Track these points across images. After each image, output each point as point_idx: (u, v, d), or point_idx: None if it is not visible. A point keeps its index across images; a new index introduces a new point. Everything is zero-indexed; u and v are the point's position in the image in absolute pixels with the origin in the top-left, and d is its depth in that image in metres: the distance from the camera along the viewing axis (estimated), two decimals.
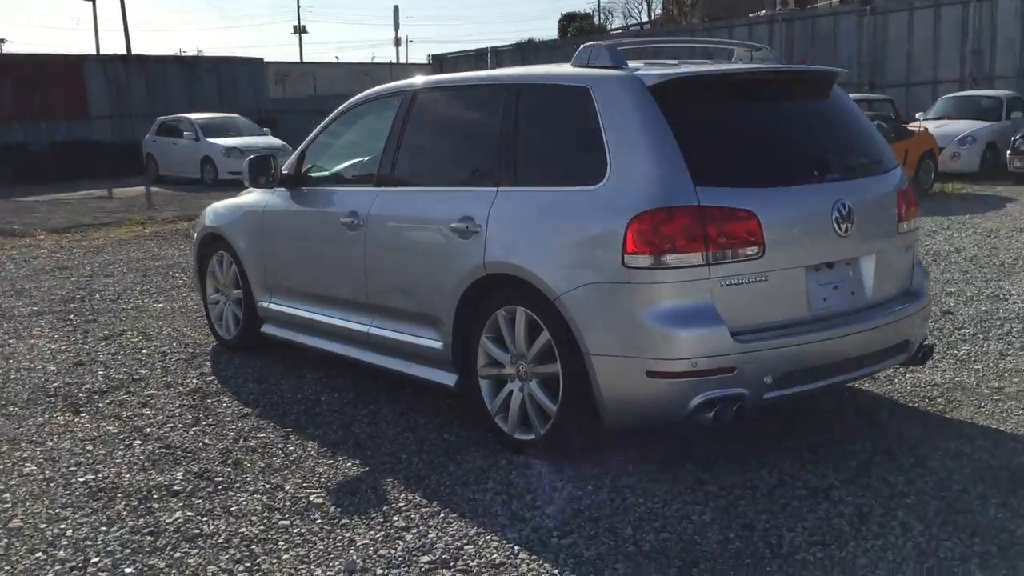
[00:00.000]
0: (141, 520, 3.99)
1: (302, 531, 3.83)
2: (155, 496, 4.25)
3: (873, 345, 4.40)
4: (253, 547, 3.70)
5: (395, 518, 3.92)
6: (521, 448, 4.52)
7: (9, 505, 4.21)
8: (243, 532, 3.84)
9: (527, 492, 4.11)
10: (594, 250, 4.12)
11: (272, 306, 6.26)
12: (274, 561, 3.58)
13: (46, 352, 7.00)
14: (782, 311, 4.16)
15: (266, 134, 24.61)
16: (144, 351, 6.90)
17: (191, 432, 5.09)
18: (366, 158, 5.82)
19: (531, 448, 4.48)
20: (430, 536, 3.73)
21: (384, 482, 4.30)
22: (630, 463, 4.38)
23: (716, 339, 3.96)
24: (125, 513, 4.07)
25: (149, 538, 3.81)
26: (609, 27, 58.25)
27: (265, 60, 35.80)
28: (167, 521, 3.97)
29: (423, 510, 3.98)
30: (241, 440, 4.94)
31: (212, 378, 6.14)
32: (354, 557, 3.58)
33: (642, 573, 3.38)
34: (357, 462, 4.56)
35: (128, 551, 3.71)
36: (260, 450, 4.79)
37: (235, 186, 22.11)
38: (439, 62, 34.28)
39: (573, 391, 4.24)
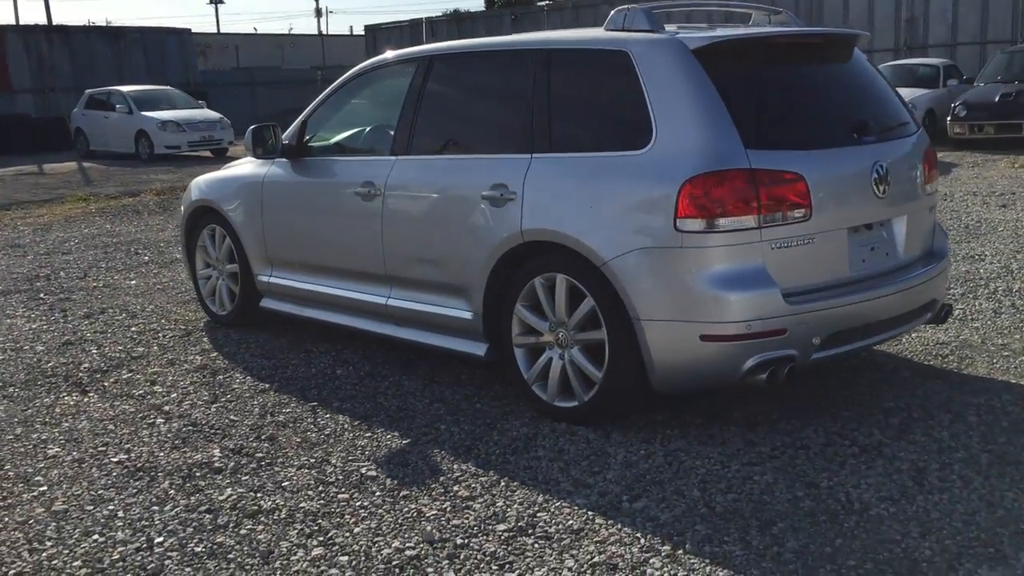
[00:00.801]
0: (192, 498, 3.89)
1: (364, 504, 3.78)
2: (198, 474, 4.15)
3: (907, 305, 4.48)
4: (320, 521, 3.64)
5: (455, 488, 3.88)
6: (561, 416, 4.51)
7: (45, 488, 4.07)
8: (304, 507, 3.77)
9: (581, 458, 4.11)
10: (643, 215, 4.12)
11: (273, 280, 6.14)
12: (347, 535, 3.52)
13: (28, 332, 6.77)
14: (825, 273, 4.21)
15: (202, 107, 24.05)
16: (133, 329, 6.72)
17: (213, 409, 4.98)
18: (378, 127, 5.72)
19: (573, 415, 4.47)
20: (498, 504, 3.71)
21: (431, 453, 4.26)
22: (674, 427, 4.40)
23: (769, 301, 3.99)
24: (173, 492, 3.97)
25: (208, 516, 3.73)
26: None
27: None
28: (220, 499, 3.88)
29: (481, 479, 3.95)
30: (268, 416, 4.85)
31: (215, 354, 6.00)
32: (428, 528, 3.54)
33: (723, 533, 3.40)
34: (396, 434, 4.51)
35: (190, 529, 3.62)
36: (291, 425, 4.70)
37: (172, 161, 21.80)
38: (372, 33, 33.81)
39: (620, 357, 4.24)
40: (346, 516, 3.68)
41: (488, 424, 4.59)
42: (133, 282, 8.49)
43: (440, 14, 34.62)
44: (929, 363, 5.25)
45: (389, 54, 5.66)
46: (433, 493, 3.85)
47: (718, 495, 3.71)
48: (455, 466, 4.10)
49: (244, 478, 4.08)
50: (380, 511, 3.71)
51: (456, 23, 31.01)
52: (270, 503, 3.82)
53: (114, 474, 4.19)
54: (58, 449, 4.51)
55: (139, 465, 4.26)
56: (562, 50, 4.64)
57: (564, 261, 4.38)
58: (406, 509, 3.71)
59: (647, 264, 4.08)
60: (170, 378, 5.55)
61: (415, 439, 4.44)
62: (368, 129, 5.87)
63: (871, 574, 3.11)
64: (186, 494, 3.95)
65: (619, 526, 3.48)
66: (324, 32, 64.75)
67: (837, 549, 3.27)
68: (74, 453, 4.45)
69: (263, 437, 4.55)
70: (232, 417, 4.85)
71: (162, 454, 4.39)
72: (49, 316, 7.24)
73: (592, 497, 3.73)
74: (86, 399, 5.24)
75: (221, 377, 5.53)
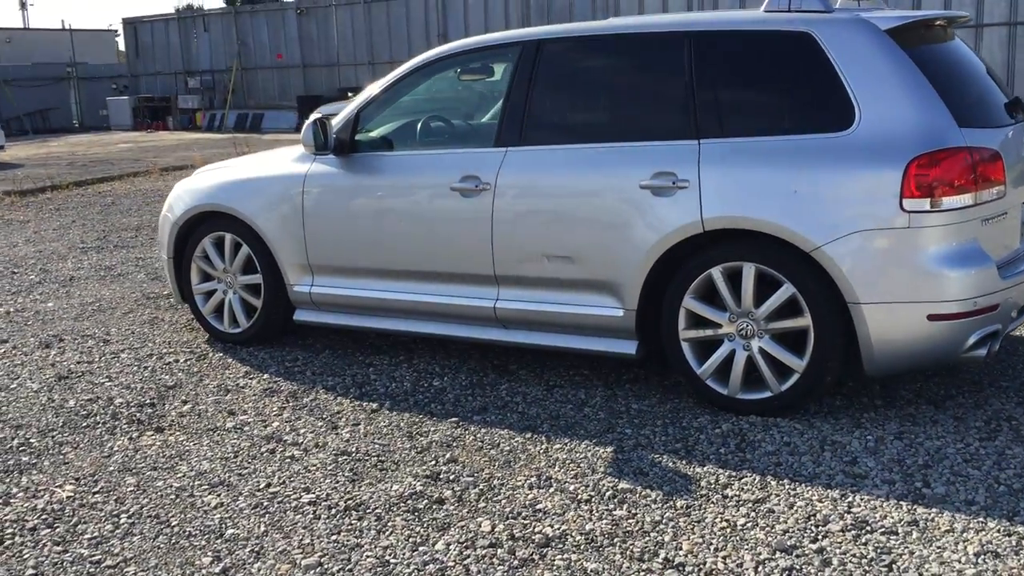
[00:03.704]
0: (453, 533, 3.46)
1: (655, 518, 3.50)
2: (421, 506, 3.69)
3: None
4: (633, 542, 3.33)
5: (728, 492, 3.68)
6: (747, 408, 4.38)
7: (257, 540, 3.49)
8: (593, 528, 3.44)
9: (818, 450, 4.00)
10: (861, 197, 4.05)
11: (317, 290, 5.57)
12: (680, 551, 3.25)
13: None
14: (1006, 248, 4.32)
15: None
16: (124, 356, 5.91)
17: (345, 434, 4.47)
18: (467, 117, 5.31)
19: (763, 407, 4.35)
20: (799, 504, 3.54)
21: (652, 458, 4.01)
22: (864, 410, 4.39)
23: (990, 277, 4.04)
24: (419, 528, 3.52)
25: (500, 551, 3.32)
26: None
27: None
28: (486, 530, 3.48)
29: (743, 481, 3.76)
30: (418, 437, 4.40)
31: (266, 376, 5.38)
32: (762, 536, 3.32)
33: None
34: (587, 443, 4.22)
35: (502, 567, 3.21)
36: (455, 445, 4.29)
37: None
38: (133, 26, 31.57)
39: (826, 343, 4.16)
40: (653, 533, 3.39)
41: (672, 422, 4.38)
42: (51, 304, 7.47)
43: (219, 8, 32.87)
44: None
45: (467, 41, 5.26)
46: (713, 499, 3.62)
47: (997, 472, 3.72)
48: (695, 469, 3.88)
49: (482, 505, 3.67)
50: (682, 523, 3.45)
51: (234, 17, 29.50)
52: (552, 530, 3.45)
53: (323, 517, 3.65)
54: (213, 496, 3.88)
55: (341, 505, 3.74)
56: (727, 32, 4.48)
57: (755, 249, 4.25)
58: (707, 519, 3.47)
59: (870, 247, 4.03)
60: (247, 406, 4.92)
61: (617, 446, 4.17)
62: (443, 120, 5.44)
63: None
64: (438, 529, 3.50)
65: (949, 513, 3.41)
66: (29, 26, 59.73)
67: None
68: (240, 499, 3.84)
69: (442, 460, 4.12)
70: (379, 442, 4.36)
71: (350, 488, 3.87)
72: None
73: (882, 487, 3.64)
74: (171, 437, 4.55)
75: (307, 400, 4.97)
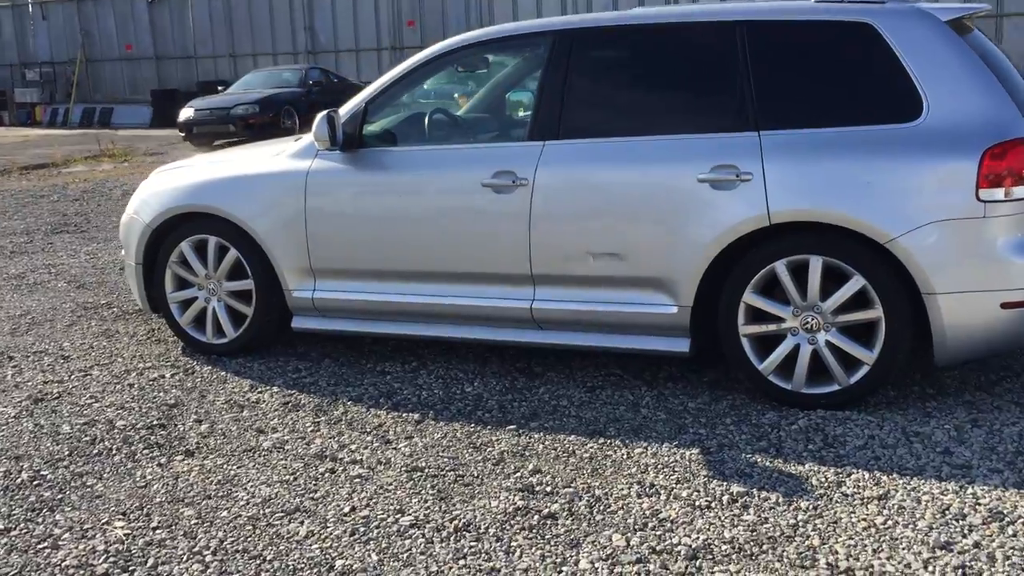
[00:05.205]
0: (588, 549, 3.27)
1: (792, 521, 3.40)
2: (533, 523, 3.49)
3: None
4: (784, 548, 3.23)
5: (844, 491, 3.61)
6: (812, 403, 4.36)
7: (376, 570, 3.21)
8: (732, 536, 3.32)
9: (902, 442, 4.00)
10: (936, 187, 4.07)
11: (321, 295, 5.24)
12: (839, 554, 3.16)
13: None
14: None
15: None
16: (96, 372, 5.42)
17: (404, 450, 4.20)
18: (486, 110, 5.08)
19: (830, 401, 4.33)
20: (924, 499, 3.51)
21: (742, 459, 3.92)
22: (919, 399, 4.43)
23: None
24: (549, 546, 3.32)
25: (651, 566, 3.16)
26: None
27: None
28: (621, 545, 3.30)
29: (854, 478, 3.71)
30: (484, 448, 4.19)
31: (277, 389, 5.02)
32: (909, 534, 3.27)
33: None
34: (667, 446, 4.09)
35: None
36: (526, 455, 4.10)
37: None
38: None
39: (897, 334, 4.17)
40: (798, 538, 3.29)
41: (742, 420, 4.31)
42: None
43: None
44: None
45: (492, 29, 5.02)
46: (834, 498, 3.56)
47: None
48: (797, 468, 3.82)
49: (600, 518, 3.50)
50: (820, 524, 3.36)
51: (76, 5, 27.77)
52: (691, 540, 3.31)
53: (436, 541, 3.40)
54: (296, 524, 3.56)
55: (449, 526, 3.49)
56: (782, 22, 4.42)
57: (823, 241, 4.21)
58: (843, 519, 3.40)
59: (945, 237, 4.05)
60: (274, 423, 4.58)
61: (701, 447, 4.06)
62: (458, 113, 5.18)
63: None
64: (569, 546, 3.31)
65: None
66: None
67: None
68: (330, 526, 3.54)
69: (525, 472, 3.91)
70: (445, 455, 4.12)
71: (446, 507, 3.63)
72: None
73: (993, 476, 3.66)
74: (207, 461, 4.18)
75: (338, 413, 4.66)
